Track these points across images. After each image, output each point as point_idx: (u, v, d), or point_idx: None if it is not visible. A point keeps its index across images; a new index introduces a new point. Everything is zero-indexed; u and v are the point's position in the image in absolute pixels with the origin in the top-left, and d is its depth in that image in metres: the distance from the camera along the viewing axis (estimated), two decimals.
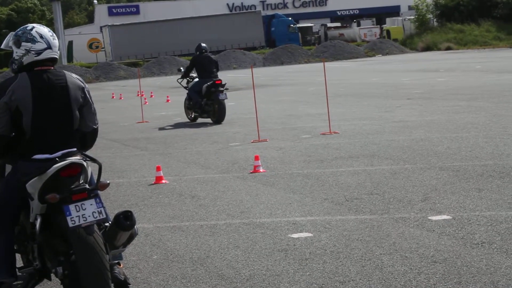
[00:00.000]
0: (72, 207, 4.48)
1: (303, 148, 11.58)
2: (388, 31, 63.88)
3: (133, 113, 20.54)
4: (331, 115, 13.87)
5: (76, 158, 4.67)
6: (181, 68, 18.06)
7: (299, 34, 63.42)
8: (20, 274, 4.86)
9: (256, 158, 9.92)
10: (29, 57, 4.73)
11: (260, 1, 75.90)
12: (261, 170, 9.71)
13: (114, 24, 59.19)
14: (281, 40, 59.52)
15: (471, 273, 5.11)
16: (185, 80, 17.74)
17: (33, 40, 4.73)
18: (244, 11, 70.06)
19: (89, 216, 4.50)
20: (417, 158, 9.81)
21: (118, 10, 74.47)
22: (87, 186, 4.63)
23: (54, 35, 4.85)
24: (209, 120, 16.75)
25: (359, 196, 7.79)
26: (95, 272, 4.39)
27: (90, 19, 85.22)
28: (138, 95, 25.76)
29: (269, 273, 5.46)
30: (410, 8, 66.63)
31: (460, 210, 6.87)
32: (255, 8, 70.20)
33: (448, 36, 54.50)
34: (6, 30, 68.52)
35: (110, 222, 4.65)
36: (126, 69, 48.60)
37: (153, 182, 9.52)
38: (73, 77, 4.82)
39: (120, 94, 29.47)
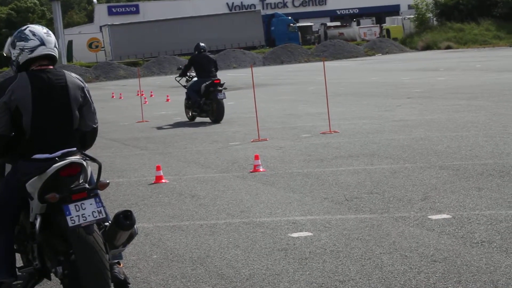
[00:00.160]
0: (71, 206, 4.49)
1: (303, 147, 11.57)
2: (388, 30, 63.93)
3: (133, 112, 20.54)
4: (331, 114, 13.86)
5: (75, 158, 4.67)
6: (181, 67, 18.05)
7: (299, 33, 63.39)
8: (20, 273, 4.85)
9: (256, 157, 9.91)
10: (23, 55, 4.74)
11: (260, 0, 75.94)
12: (261, 170, 9.71)
13: (114, 23, 59.18)
14: (281, 39, 59.48)
15: (471, 272, 5.11)
16: (184, 79, 17.74)
17: (26, 39, 4.74)
18: (244, 10, 70.06)
19: (88, 215, 4.50)
20: (417, 157, 9.81)
21: (118, 10, 74.53)
22: (86, 185, 4.63)
23: (50, 32, 4.85)
24: (208, 119, 16.75)
25: (359, 195, 7.79)
26: (95, 272, 4.39)
27: (90, 18, 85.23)
28: (138, 94, 25.75)
29: (269, 273, 5.46)
30: (410, 7, 66.62)
31: (460, 209, 6.86)
32: (255, 7, 70.25)
33: (448, 35, 54.51)
34: (6, 30, 68.57)
35: (110, 222, 4.65)
36: (126, 68, 48.58)
37: (153, 182, 9.52)
38: (73, 77, 4.83)
39: (120, 94, 29.46)
